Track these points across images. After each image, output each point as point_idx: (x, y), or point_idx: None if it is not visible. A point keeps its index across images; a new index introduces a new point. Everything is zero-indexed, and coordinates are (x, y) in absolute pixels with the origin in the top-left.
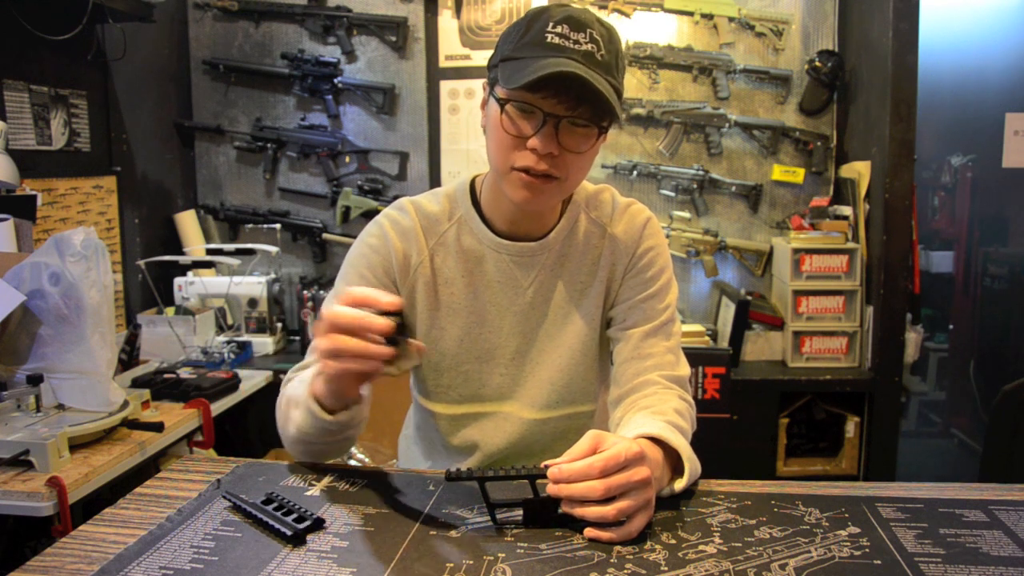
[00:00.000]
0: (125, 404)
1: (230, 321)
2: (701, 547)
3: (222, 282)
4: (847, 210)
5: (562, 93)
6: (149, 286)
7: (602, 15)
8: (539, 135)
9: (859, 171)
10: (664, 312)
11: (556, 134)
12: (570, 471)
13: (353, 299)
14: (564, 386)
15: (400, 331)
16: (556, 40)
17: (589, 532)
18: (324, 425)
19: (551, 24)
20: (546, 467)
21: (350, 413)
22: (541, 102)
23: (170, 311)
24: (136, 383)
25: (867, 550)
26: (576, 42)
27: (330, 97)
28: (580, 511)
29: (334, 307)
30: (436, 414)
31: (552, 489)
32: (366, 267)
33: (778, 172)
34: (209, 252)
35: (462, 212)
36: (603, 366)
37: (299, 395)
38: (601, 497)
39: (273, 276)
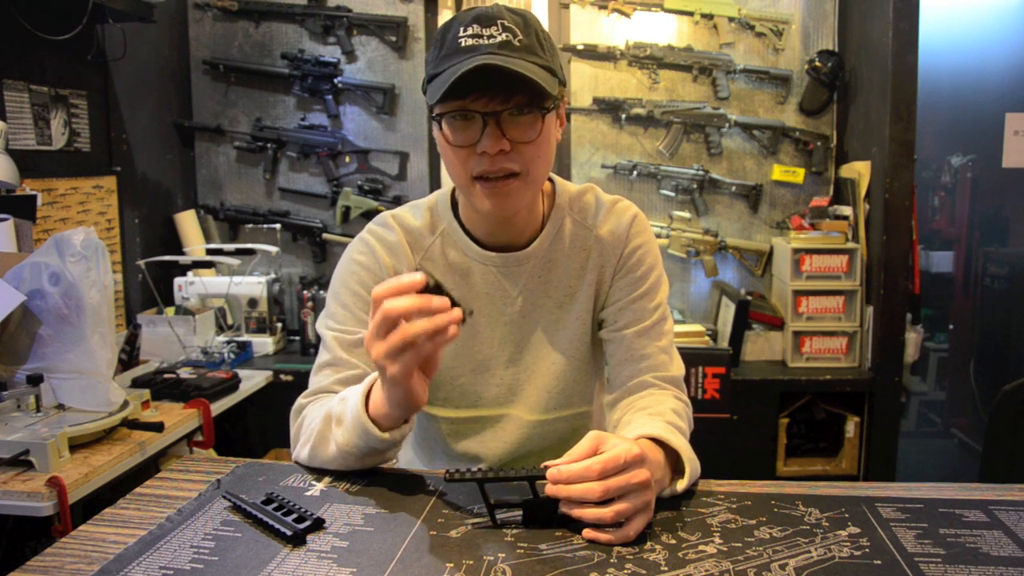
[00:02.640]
0: (125, 404)
1: (230, 321)
2: (701, 547)
3: (222, 282)
4: (847, 210)
5: (490, 89)
6: (149, 286)
7: (602, 15)
8: (484, 137)
9: (859, 171)
10: (655, 312)
11: (500, 130)
12: (568, 472)
13: (379, 295)
14: (560, 391)
15: (454, 303)
16: (469, 42)
17: (587, 533)
18: (375, 444)
19: (462, 29)
20: (545, 468)
21: (401, 432)
22: (473, 104)
23: (170, 311)
24: (136, 383)
25: (867, 550)
26: (490, 36)
27: (330, 97)
28: (578, 512)
29: (379, 309)
30: (437, 418)
31: (550, 490)
32: (358, 284)
33: (778, 172)
34: (209, 252)
35: (445, 225)
36: (598, 367)
37: (343, 413)
38: (599, 499)
39: (273, 276)
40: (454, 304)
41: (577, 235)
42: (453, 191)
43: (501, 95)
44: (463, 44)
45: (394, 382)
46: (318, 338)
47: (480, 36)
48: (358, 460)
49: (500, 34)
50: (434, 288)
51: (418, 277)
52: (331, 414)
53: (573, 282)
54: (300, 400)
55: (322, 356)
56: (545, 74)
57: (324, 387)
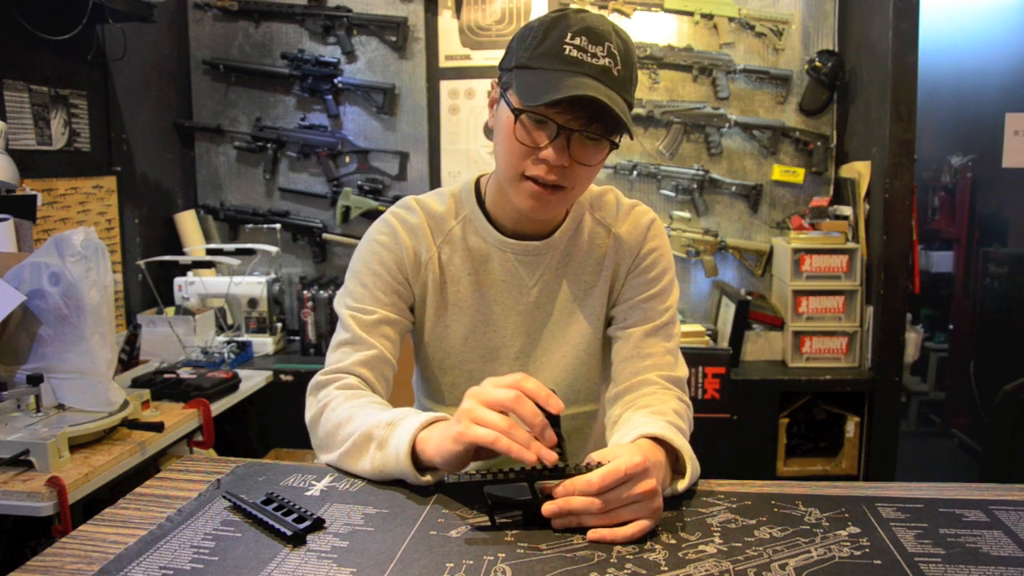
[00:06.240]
0: (125, 404)
1: (230, 321)
2: (701, 547)
3: (222, 282)
4: (847, 210)
5: (577, 109)
6: (149, 286)
7: (602, 15)
8: (552, 147)
9: (859, 171)
10: (665, 313)
11: (568, 146)
12: (566, 487)
13: (525, 389)
14: (568, 386)
15: (558, 444)
16: (574, 53)
17: (592, 534)
18: (414, 482)
19: (569, 35)
20: (545, 467)
21: (440, 475)
22: (556, 116)
23: (170, 311)
24: (136, 383)
25: (867, 550)
26: (594, 55)
27: (330, 97)
28: (598, 535)
29: (515, 392)
30: (442, 407)
31: (550, 511)
32: (379, 264)
33: (778, 172)
34: (209, 252)
35: (467, 211)
36: (606, 366)
37: (387, 440)
38: (600, 510)
39: (273, 276)
40: (559, 443)
41: (596, 232)
42: (477, 181)
43: (584, 118)
44: (567, 53)
45: (459, 440)
46: (319, 338)
47: (585, 51)
48: (386, 479)
49: (604, 57)
50: (555, 419)
51: (559, 404)
52: (373, 435)
53: (589, 277)
54: (319, 377)
55: (340, 335)
56: (627, 111)
57: (344, 367)
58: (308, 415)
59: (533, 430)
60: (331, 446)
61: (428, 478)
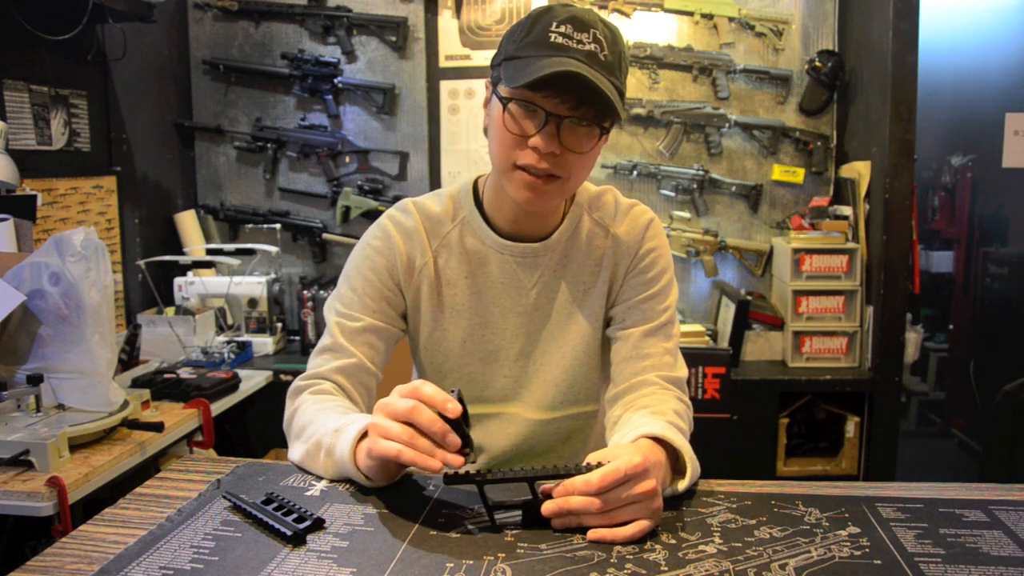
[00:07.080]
0: (125, 404)
1: (230, 321)
2: (701, 547)
3: (222, 282)
4: (847, 210)
5: (564, 93)
6: (149, 286)
7: (602, 15)
8: (541, 134)
9: (859, 171)
10: (664, 313)
11: (558, 133)
12: (565, 487)
13: (422, 396)
14: (568, 387)
15: (464, 445)
16: (559, 40)
17: (592, 534)
18: (363, 484)
19: (554, 24)
20: (544, 468)
21: (391, 482)
22: (543, 101)
23: (170, 311)
24: (136, 383)
25: (867, 550)
26: (579, 42)
27: (330, 97)
28: (598, 534)
29: (412, 402)
30: None
31: (549, 510)
32: (370, 270)
33: (778, 172)
34: (209, 252)
35: (465, 213)
36: (606, 366)
37: (334, 447)
38: (599, 511)
39: (273, 276)
40: (465, 444)
41: (594, 233)
42: (476, 182)
43: (572, 101)
44: (552, 40)
45: (370, 455)
46: (318, 338)
47: (571, 37)
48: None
49: (590, 43)
50: (457, 422)
51: (456, 408)
52: (322, 442)
53: (587, 278)
54: (298, 382)
55: (324, 340)
56: (617, 96)
57: (322, 373)
58: (284, 419)
59: (434, 437)
60: (297, 449)
61: (373, 482)
